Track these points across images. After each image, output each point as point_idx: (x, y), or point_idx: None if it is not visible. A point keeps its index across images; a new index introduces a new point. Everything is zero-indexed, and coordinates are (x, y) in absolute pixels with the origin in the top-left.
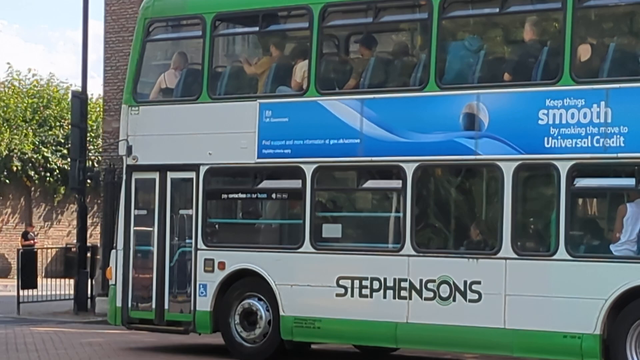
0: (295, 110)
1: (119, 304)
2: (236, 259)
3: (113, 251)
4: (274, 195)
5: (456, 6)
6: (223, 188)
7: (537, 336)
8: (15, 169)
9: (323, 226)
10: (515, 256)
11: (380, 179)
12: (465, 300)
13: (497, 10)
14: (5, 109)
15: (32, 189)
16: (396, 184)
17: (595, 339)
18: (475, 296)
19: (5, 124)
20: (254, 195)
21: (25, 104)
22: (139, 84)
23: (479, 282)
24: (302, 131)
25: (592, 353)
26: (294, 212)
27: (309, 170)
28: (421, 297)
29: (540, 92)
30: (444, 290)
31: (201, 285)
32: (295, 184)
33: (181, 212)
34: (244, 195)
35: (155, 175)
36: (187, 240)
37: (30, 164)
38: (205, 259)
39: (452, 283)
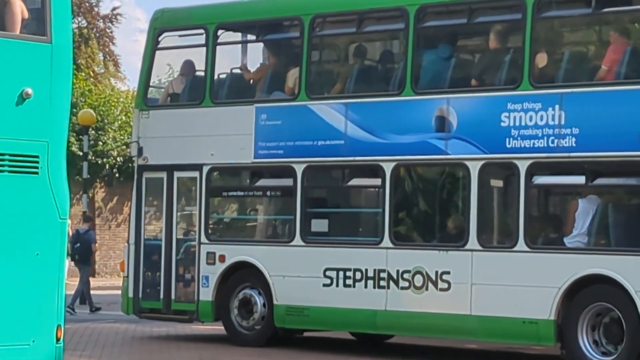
0: (288, 113)
1: (130, 294)
2: (235, 252)
3: (125, 245)
4: (268, 193)
5: (430, 17)
6: (223, 186)
7: (499, 322)
8: None
9: (312, 221)
10: (481, 248)
11: (362, 177)
12: (437, 289)
13: (465, 20)
14: None
15: None
16: (376, 181)
17: (550, 324)
18: (445, 285)
19: None
20: (250, 193)
21: None
22: (149, 90)
23: (448, 272)
24: (293, 133)
25: (548, 337)
26: (286, 209)
27: (299, 169)
28: (398, 286)
29: (502, 96)
30: (418, 280)
31: (204, 277)
32: (288, 182)
33: (186, 208)
34: (242, 193)
35: (163, 175)
36: (192, 235)
37: None
38: (208, 252)
39: (425, 273)
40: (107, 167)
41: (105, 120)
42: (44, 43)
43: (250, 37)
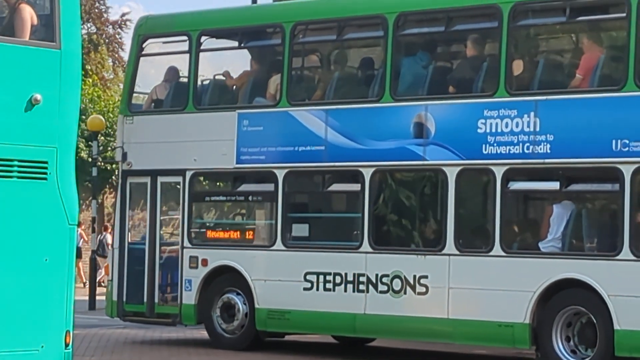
0: (269, 119)
1: (115, 298)
2: (217, 256)
3: (110, 249)
4: (250, 198)
5: (409, 24)
6: (206, 191)
7: (476, 325)
8: None
9: (292, 226)
10: (458, 253)
11: (342, 182)
12: (415, 293)
13: (443, 28)
14: None
15: None
16: (356, 187)
17: (525, 328)
18: (423, 289)
19: None
20: (233, 198)
21: None
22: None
23: (426, 277)
24: (274, 139)
25: (522, 340)
26: (267, 213)
27: (280, 174)
28: (377, 290)
29: (479, 103)
30: (396, 284)
31: (187, 281)
32: (269, 187)
33: (170, 213)
34: (224, 198)
35: (147, 180)
36: (175, 239)
37: None
38: (190, 256)
39: (403, 277)
40: (115, 173)
41: (115, 127)
42: (53, 49)
43: (233, 43)
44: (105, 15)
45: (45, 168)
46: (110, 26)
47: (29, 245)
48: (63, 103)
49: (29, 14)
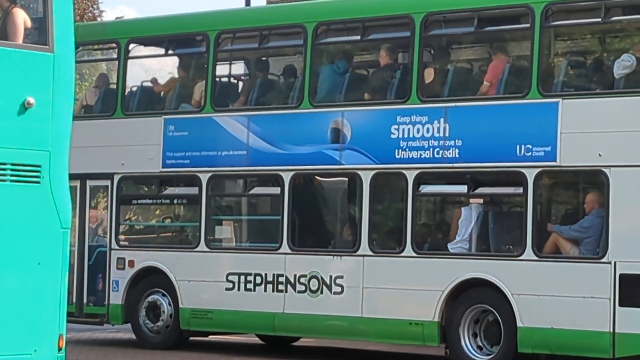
0: (194, 125)
1: None
2: (143, 258)
3: None
4: (175, 201)
5: (327, 34)
6: (133, 194)
7: (388, 324)
8: None
9: (215, 228)
10: (372, 254)
11: (263, 186)
12: (331, 292)
13: (359, 37)
14: None
15: None
16: (276, 190)
17: (434, 326)
18: (339, 289)
19: None
20: (159, 201)
21: None
22: None
23: (342, 277)
24: (199, 144)
25: (432, 338)
26: (192, 216)
27: (204, 178)
28: (295, 290)
29: (392, 110)
30: (314, 284)
31: (114, 282)
32: (193, 190)
33: (99, 216)
34: (150, 201)
35: (77, 183)
36: (103, 241)
37: None
38: (118, 258)
39: (320, 278)
40: None
41: None
42: (46, 52)
43: (160, 51)
44: (98, 19)
45: (39, 172)
46: None
47: (22, 249)
48: (56, 107)
49: (22, 18)
